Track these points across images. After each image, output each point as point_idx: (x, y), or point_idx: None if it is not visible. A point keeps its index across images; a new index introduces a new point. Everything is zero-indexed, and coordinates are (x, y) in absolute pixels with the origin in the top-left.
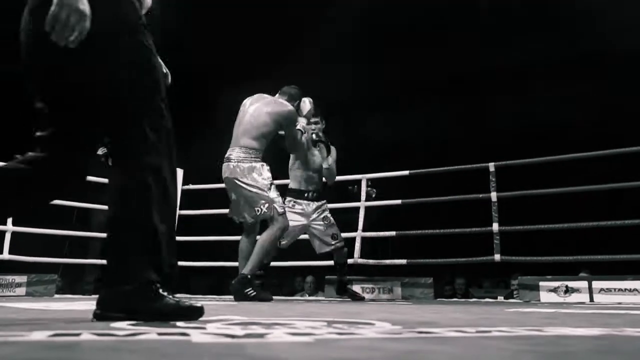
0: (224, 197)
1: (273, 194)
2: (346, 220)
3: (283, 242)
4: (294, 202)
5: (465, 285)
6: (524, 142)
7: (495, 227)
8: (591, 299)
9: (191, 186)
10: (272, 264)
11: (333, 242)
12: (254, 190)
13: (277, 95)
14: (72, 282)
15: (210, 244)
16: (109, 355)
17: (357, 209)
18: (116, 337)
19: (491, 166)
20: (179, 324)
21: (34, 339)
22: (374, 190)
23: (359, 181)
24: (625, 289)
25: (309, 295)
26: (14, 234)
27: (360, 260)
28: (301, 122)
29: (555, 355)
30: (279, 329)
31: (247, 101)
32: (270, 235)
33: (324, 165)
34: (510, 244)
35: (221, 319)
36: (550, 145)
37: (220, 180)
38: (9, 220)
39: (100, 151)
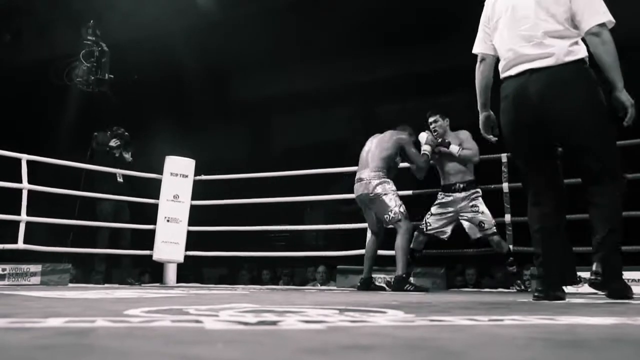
0: (234, 188)
1: (396, 202)
2: (356, 211)
3: (443, 237)
4: (444, 195)
5: (476, 275)
6: None
7: (508, 217)
8: None
9: (202, 177)
10: (283, 254)
11: (481, 231)
12: (383, 199)
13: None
14: (85, 272)
15: (221, 234)
16: (123, 341)
17: None
18: (130, 324)
19: (503, 157)
20: (191, 311)
21: (50, 325)
22: None
23: None
24: None
25: (321, 285)
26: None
27: None
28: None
29: (568, 343)
30: (291, 317)
31: (370, 139)
32: (402, 238)
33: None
34: (523, 235)
35: (234, 307)
36: None
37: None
38: (23, 210)
39: (114, 143)
